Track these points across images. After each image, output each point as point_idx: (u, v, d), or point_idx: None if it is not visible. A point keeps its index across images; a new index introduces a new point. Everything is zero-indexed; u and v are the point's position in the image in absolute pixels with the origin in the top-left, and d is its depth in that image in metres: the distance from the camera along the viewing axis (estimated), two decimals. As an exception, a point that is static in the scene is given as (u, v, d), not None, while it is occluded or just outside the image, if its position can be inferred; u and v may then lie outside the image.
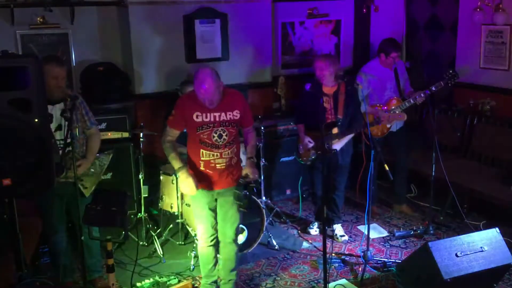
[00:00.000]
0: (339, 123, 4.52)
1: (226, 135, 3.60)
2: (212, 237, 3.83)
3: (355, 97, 4.65)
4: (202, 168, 3.65)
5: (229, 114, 3.60)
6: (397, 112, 4.83)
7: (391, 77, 5.11)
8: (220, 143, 3.60)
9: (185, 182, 3.59)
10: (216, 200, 3.77)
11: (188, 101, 3.59)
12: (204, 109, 3.53)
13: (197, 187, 3.61)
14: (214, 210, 3.79)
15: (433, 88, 4.77)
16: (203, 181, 3.66)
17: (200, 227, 3.81)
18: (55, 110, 3.67)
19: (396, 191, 5.52)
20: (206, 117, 3.55)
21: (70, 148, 3.60)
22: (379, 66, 5.12)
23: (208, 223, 3.78)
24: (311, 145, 4.68)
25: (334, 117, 4.56)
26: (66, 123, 3.42)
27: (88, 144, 3.91)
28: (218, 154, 3.61)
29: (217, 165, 3.63)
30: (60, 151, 3.54)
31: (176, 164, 3.64)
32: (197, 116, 3.55)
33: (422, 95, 4.80)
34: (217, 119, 3.57)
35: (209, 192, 3.71)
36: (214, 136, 3.57)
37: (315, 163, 4.81)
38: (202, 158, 3.63)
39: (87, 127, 3.90)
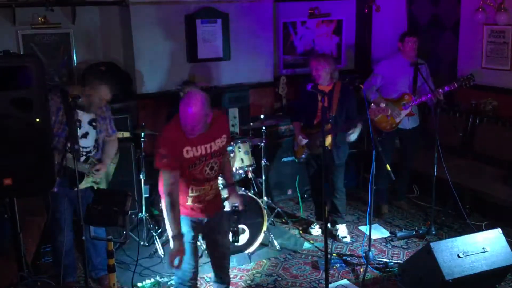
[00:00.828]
0: (331, 120, 4.52)
1: (217, 166, 3.27)
2: (194, 282, 3.40)
3: (351, 96, 4.66)
4: (189, 203, 3.28)
5: (218, 142, 3.23)
6: (382, 106, 4.81)
7: (407, 73, 5.06)
8: (212, 175, 3.27)
9: (177, 254, 3.11)
10: (200, 231, 3.42)
11: (175, 134, 3.10)
12: (194, 142, 3.12)
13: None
14: (196, 246, 3.39)
15: (446, 88, 4.78)
16: (188, 211, 3.30)
17: (187, 265, 3.28)
18: (84, 117, 3.75)
19: (397, 188, 5.54)
20: (197, 151, 3.15)
21: (91, 155, 3.68)
22: (399, 60, 5.07)
23: (193, 258, 3.31)
24: (304, 141, 4.69)
25: (328, 115, 4.57)
26: (95, 130, 3.48)
27: (105, 149, 4.00)
28: (209, 187, 3.30)
29: (206, 197, 3.31)
30: (83, 158, 3.63)
31: (175, 229, 3.13)
32: (187, 152, 3.12)
33: (435, 93, 4.78)
34: (208, 151, 3.19)
35: (196, 220, 3.33)
36: (206, 170, 3.22)
37: (310, 161, 4.83)
38: (191, 194, 3.26)
39: (108, 134, 3.97)
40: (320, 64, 4.51)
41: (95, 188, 3.90)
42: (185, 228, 3.26)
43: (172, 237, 3.14)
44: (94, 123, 3.50)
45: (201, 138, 3.14)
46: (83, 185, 3.73)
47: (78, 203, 3.32)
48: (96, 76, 3.87)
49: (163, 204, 3.20)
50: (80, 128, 3.71)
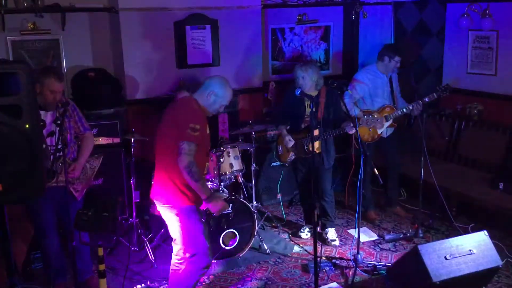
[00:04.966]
0: (319, 126, 4.58)
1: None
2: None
3: (337, 100, 4.73)
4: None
5: None
6: (376, 117, 4.86)
7: (385, 84, 5.15)
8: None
9: (222, 204, 3.55)
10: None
11: (201, 113, 3.53)
12: (207, 120, 3.57)
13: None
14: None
15: (426, 100, 4.88)
16: (198, 200, 3.58)
17: (204, 244, 3.61)
18: (48, 117, 3.71)
19: (388, 194, 5.57)
20: (208, 128, 3.58)
21: (61, 154, 3.65)
22: (375, 72, 5.15)
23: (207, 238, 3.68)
24: (291, 143, 4.74)
25: (318, 119, 4.62)
26: (58, 129, 3.46)
27: (80, 148, 3.98)
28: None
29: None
30: (51, 157, 3.57)
31: (208, 190, 3.49)
32: (207, 128, 3.55)
33: (416, 105, 4.89)
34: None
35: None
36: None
37: (298, 166, 4.87)
38: (205, 172, 3.63)
39: (80, 133, 3.96)
40: (306, 74, 4.57)
41: (73, 191, 3.87)
42: (199, 215, 3.62)
43: (209, 197, 3.45)
44: (58, 122, 3.47)
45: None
46: (54, 182, 3.69)
47: (63, 204, 3.29)
48: (40, 71, 3.84)
49: (188, 175, 3.37)
50: (44, 128, 3.67)
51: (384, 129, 5.07)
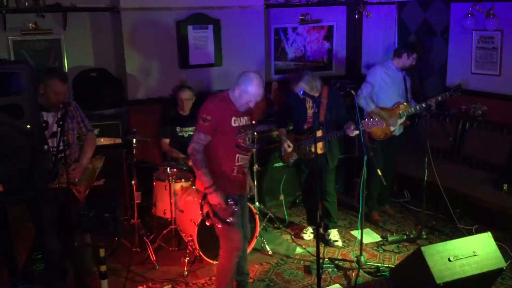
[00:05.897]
0: (321, 127, 4.55)
1: (253, 138, 3.69)
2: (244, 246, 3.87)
3: (339, 100, 4.71)
4: (234, 173, 3.67)
5: (251, 118, 3.77)
6: (376, 119, 4.81)
7: (400, 81, 5.15)
8: (249, 146, 3.73)
9: (219, 200, 3.55)
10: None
11: (223, 105, 3.57)
12: (239, 113, 3.61)
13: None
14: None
15: (439, 98, 4.93)
16: (232, 187, 3.68)
17: (237, 235, 3.72)
18: (50, 117, 3.70)
19: (381, 192, 5.53)
20: (241, 121, 3.63)
21: (63, 155, 3.63)
22: (392, 68, 5.15)
23: (242, 230, 3.79)
24: (290, 149, 4.72)
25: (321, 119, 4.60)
26: (60, 130, 3.45)
27: (82, 148, 3.97)
28: (249, 157, 3.76)
29: (245, 169, 3.74)
30: (53, 157, 3.56)
31: (210, 179, 3.53)
32: (234, 121, 3.59)
33: (429, 104, 4.91)
34: (247, 122, 3.68)
35: (237, 197, 3.74)
36: (247, 140, 3.69)
37: (301, 166, 4.85)
38: (237, 164, 3.65)
39: (83, 133, 3.96)
40: (298, 91, 4.53)
41: (76, 192, 3.86)
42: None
43: (208, 188, 3.53)
44: (61, 122, 3.47)
45: (245, 111, 3.66)
46: (56, 183, 3.68)
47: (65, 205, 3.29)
48: (44, 72, 3.83)
49: (192, 161, 3.57)
50: (47, 129, 3.66)
51: (397, 126, 5.08)
